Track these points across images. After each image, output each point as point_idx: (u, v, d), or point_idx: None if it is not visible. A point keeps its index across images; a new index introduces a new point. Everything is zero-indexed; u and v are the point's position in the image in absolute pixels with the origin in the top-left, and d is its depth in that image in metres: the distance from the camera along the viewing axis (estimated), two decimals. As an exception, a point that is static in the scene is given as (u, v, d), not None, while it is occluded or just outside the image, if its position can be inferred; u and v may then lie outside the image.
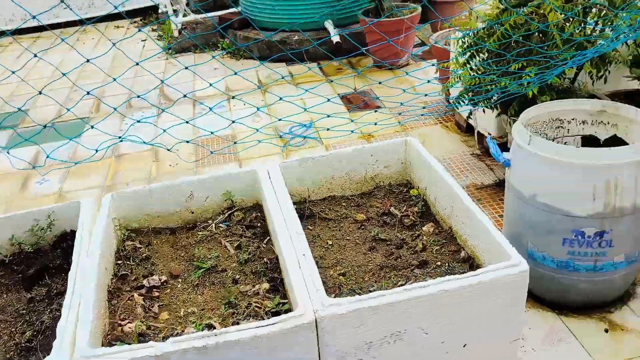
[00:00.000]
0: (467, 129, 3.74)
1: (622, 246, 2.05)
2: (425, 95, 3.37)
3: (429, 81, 3.92)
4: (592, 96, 2.87)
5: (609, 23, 2.50)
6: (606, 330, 2.15)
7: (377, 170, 2.39)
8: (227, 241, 2.09)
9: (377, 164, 2.38)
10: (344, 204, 2.32)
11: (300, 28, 5.28)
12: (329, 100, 2.90)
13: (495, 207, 2.97)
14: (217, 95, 4.68)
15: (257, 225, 2.16)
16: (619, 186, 1.93)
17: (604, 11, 2.48)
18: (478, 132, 3.48)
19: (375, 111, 4.20)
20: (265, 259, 1.96)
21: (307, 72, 5.05)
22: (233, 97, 4.52)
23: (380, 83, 3.53)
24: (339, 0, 5.22)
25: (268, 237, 2.08)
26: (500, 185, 3.12)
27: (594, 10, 2.58)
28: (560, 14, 2.37)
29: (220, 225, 2.17)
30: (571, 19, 2.47)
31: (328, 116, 2.76)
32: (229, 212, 2.22)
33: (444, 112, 3.97)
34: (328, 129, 3.27)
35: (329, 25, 5.21)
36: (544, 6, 2.46)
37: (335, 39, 5.00)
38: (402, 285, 1.73)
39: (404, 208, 2.24)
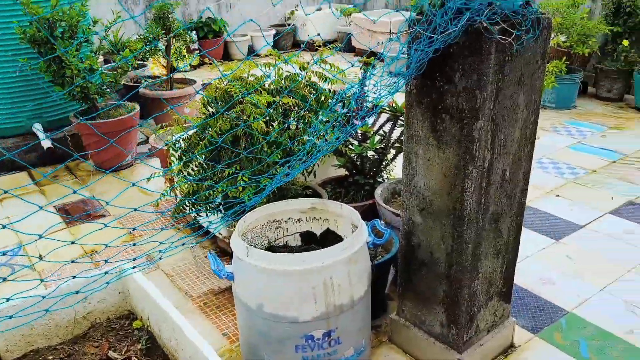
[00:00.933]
0: (201, 231, 3.63)
1: (349, 341, 2.10)
2: (155, 204, 3.17)
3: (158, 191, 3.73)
4: (307, 187, 3.03)
5: (308, 124, 2.69)
6: None
7: (90, 307, 2.08)
8: None
9: (88, 300, 2.07)
10: (50, 357, 1.93)
11: (1, 134, 4.62)
12: (48, 229, 2.45)
13: (235, 312, 2.86)
14: None
15: None
16: (335, 284, 1.98)
17: (301, 113, 2.65)
18: (211, 233, 3.38)
19: (100, 222, 3.81)
20: None
21: (13, 183, 4.40)
22: None
23: (109, 172, 3.22)
24: (45, 102, 4.74)
25: None
26: (237, 285, 3.04)
27: (294, 112, 2.75)
28: (262, 121, 2.45)
29: None
30: (274, 122, 2.58)
31: (40, 237, 2.32)
32: None
33: (174, 216, 3.80)
34: (40, 255, 2.79)
35: (37, 128, 4.68)
36: (247, 111, 2.52)
37: (46, 143, 4.50)
38: None
39: (126, 348, 1.96)
